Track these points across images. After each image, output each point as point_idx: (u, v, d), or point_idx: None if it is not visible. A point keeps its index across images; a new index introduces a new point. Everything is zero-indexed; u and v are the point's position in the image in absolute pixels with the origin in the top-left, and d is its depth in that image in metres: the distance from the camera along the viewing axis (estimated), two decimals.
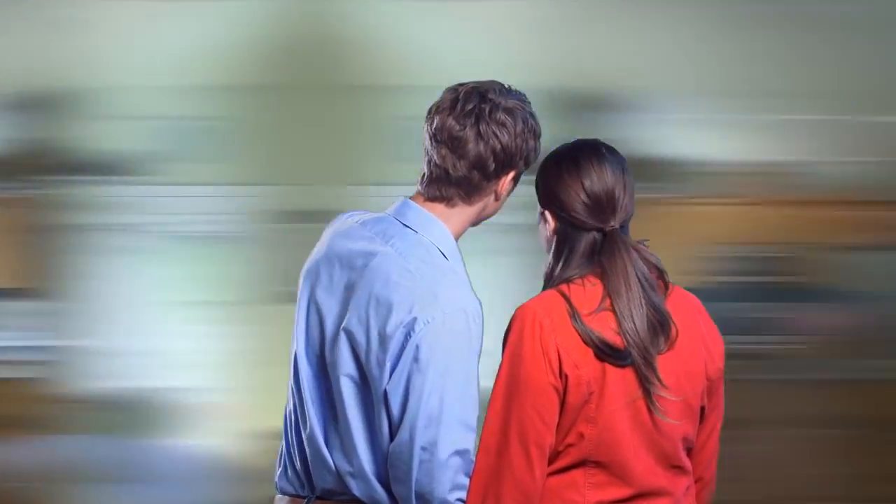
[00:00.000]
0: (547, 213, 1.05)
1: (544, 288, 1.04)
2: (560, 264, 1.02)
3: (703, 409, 1.04)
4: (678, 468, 1.01)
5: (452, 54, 2.71)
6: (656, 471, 0.98)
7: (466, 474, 0.95)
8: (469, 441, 0.95)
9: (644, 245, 1.02)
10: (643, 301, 0.96)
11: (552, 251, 1.04)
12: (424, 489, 0.91)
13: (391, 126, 3.69)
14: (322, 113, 3.52)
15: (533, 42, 2.58)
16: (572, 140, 1.08)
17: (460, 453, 0.93)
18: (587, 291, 0.97)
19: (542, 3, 2.49)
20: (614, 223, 1.00)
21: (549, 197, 1.04)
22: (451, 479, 0.93)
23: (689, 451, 1.05)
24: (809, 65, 3.39)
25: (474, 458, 0.96)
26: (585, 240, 1.01)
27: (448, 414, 0.92)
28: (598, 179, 1.00)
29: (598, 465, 0.96)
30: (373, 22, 3.22)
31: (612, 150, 1.05)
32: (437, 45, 2.57)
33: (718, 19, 2.88)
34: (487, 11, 2.82)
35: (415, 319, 0.91)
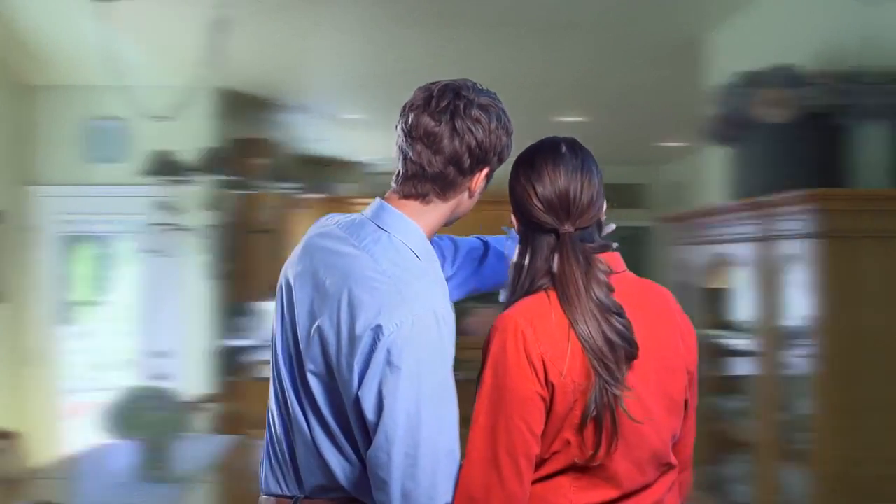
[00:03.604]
0: (513, 215, 1.05)
1: (512, 285, 1.02)
2: (526, 261, 1.01)
3: (686, 401, 1.03)
4: (666, 465, 1.01)
5: (123, 55, 2.62)
6: (645, 470, 0.97)
7: (453, 476, 0.92)
8: (452, 440, 0.93)
9: (611, 246, 1.01)
10: (597, 308, 0.94)
11: (518, 248, 1.04)
12: (411, 494, 0.90)
13: (71, 126, 3.67)
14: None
15: (201, 42, 2.51)
16: (543, 139, 1.05)
17: (445, 454, 0.91)
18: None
19: (209, 3, 2.41)
20: (569, 226, 0.99)
21: (511, 199, 1.04)
22: (439, 483, 0.90)
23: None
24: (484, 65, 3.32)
25: (459, 458, 0.93)
26: (546, 241, 1.00)
27: (428, 416, 0.90)
28: (551, 183, 0.99)
29: (584, 469, 0.94)
30: (42, 22, 3.10)
31: (574, 150, 1.02)
32: (106, 47, 2.49)
33: (388, 19, 2.78)
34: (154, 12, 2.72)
35: (382, 324, 0.91)
